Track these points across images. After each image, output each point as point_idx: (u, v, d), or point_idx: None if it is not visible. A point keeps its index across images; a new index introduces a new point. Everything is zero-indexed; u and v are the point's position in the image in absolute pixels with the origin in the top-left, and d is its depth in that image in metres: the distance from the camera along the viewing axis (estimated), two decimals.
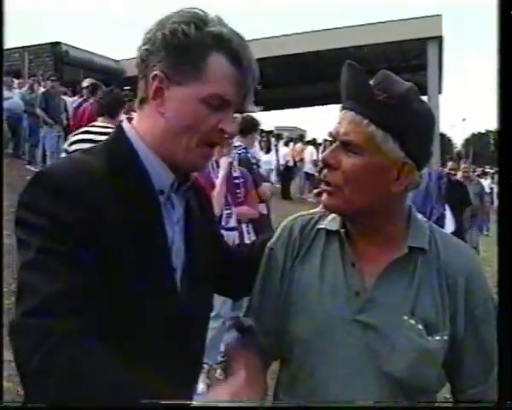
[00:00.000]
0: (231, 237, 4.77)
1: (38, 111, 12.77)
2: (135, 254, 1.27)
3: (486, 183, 18.21)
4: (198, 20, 1.31)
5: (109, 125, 4.89)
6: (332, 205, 1.43)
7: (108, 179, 1.29)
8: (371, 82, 1.37)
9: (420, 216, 1.52)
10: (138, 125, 1.40)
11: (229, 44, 1.32)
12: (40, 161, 13.68)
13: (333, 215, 1.54)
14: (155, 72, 1.31)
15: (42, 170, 1.30)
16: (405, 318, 1.39)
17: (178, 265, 1.42)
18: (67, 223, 1.19)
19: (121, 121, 1.45)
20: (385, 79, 1.38)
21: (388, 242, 1.45)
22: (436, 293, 1.42)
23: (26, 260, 1.19)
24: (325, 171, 1.42)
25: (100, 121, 5.18)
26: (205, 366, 4.72)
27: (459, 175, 10.04)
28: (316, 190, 1.64)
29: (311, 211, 1.68)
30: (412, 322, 1.39)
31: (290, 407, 1.48)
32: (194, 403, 1.15)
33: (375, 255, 1.45)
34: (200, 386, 4.55)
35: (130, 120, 1.43)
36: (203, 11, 1.34)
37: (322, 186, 1.44)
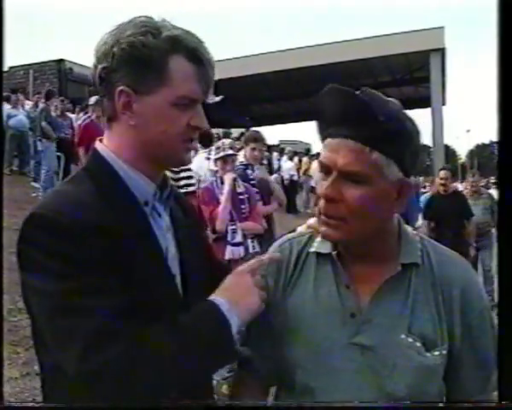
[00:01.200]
0: (237, 253, 4.79)
1: (44, 124, 12.75)
2: (136, 268, 1.29)
3: (494, 193, 17.80)
4: (152, 29, 1.31)
5: None
6: (335, 237, 1.39)
7: (97, 204, 1.30)
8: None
9: (410, 229, 1.51)
10: (111, 143, 1.41)
11: (186, 45, 1.33)
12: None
13: None
14: (120, 87, 1.32)
15: (42, 212, 1.28)
16: (403, 336, 1.37)
17: (177, 270, 1.44)
18: (80, 258, 1.22)
19: (95, 144, 1.45)
20: (378, 100, 1.33)
21: (381, 260, 1.43)
22: (432, 307, 1.40)
23: (53, 306, 1.21)
24: (324, 204, 1.36)
25: None
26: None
27: (466, 189, 9.54)
28: (313, 220, 1.61)
29: (298, 231, 1.65)
30: (410, 340, 1.37)
31: (290, 407, 1.47)
32: (196, 403, 1.17)
33: (368, 275, 1.43)
34: None
35: (101, 140, 1.44)
36: (154, 17, 1.36)
37: (323, 219, 1.38)
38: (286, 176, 18.78)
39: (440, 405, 1.46)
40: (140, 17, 1.35)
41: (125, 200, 1.37)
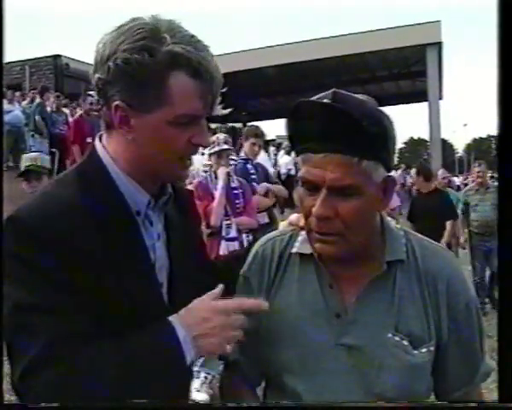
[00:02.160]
0: (232, 247, 4.79)
1: (37, 119, 12.73)
2: (119, 278, 1.25)
3: None
4: (151, 42, 1.22)
5: None
6: (334, 253, 1.35)
7: (83, 208, 1.26)
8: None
9: (393, 224, 1.49)
10: (110, 146, 1.36)
11: (187, 60, 1.24)
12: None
13: (304, 235, 1.48)
14: (116, 102, 1.25)
15: (16, 214, 1.24)
16: (389, 335, 1.36)
17: (164, 280, 1.41)
18: (45, 271, 1.18)
19: (94, 142, 1.40)
20: (355, 103, 1.27)
21: (365, 259, 1.41)
22: (419, 303, 1.39)
23: (7, 318, 1.18)
24: (317, 222, 1.32)
25: None
26: (208, 376, 4.71)
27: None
28: (294, 217, 1.59)
29: (281, 229, 1.64)
30: (397, 339, 1.36)
31: (289, 407, 1.45)
32: (195, 403, 1.15)
33: (352, 274, 1.41)
34: (204, 396, 4.53)
35: (100, 138, 1.39)
36: (153, 26, 1.25)
37: (318, 236, 1.34)
38: (283, 171, 18.77)
39: (437, 405, 1.45)
40: (140, 23, 1.26)
41: (116, 207, 1.32)
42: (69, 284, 1.19)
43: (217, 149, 5.05)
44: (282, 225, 1.67)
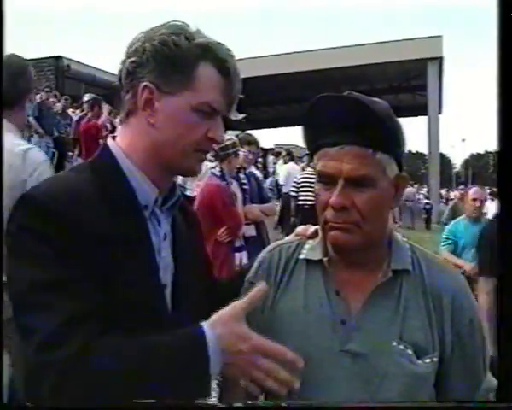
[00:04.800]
0: (239, 257, 4.83)
1: (31, 119, 12.75)
2: (124, 270, 1.26)
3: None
4: (187, 33, 1.33)
5: None
6: (349, 242, 1.36)
7: (94, 196, 1.28)
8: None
9: (400, 237, 1.51)
10: (122, 140, 1.39)
11: (217, 55, 1.34)
12: None
13: (311, 243, 1.51)
14: (145, 83, 1.31)
15: (33, 193, 1.28)
16: (394, 344, 1.37)
17: (168, 281, 1.40)
18: (58, 248, 1.19)
19: (106, 139, 1.44)
20: (368, 100, 1.33)
21: (372, 267, 1.43)
22: (423, 314, 1.40)
23: (22, 295, 1.18)
24: (334, 213, 1.34)
25: None
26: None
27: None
28: (301, 228, 1.61)
29: (287, 239, 1.64)
30: (401, 347, 1.36)
31: (290, 407, 1.45)
32: (195, 403, 1.15)
33: (359, 282, 1.42)
34: (213, 399, 4.53)
35: (114, 138, 1.43)
36: (188, 25, 1.36)
37: (334, 225, 1.36)
38: (281, 181, 18.74)
39: (437, 405, 1.45)
40: (176, 21, 1.36)
41: (125, 199, 1.34)
42: (82, 261, 1.19)
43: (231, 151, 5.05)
44: (289, 238, 1.66)
